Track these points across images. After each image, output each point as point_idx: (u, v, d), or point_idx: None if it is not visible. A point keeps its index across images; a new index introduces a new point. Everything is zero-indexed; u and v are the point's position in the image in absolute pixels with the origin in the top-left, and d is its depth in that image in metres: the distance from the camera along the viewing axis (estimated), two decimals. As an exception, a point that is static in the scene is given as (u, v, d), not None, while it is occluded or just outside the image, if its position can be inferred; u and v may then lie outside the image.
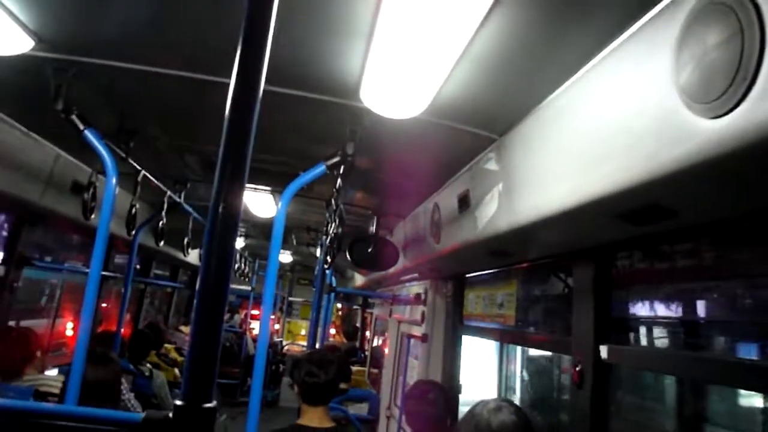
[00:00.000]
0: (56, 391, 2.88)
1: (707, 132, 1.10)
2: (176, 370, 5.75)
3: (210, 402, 0.79)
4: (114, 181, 2.36)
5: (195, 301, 0.82)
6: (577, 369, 2.16)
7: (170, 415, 0.79)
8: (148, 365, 4.77)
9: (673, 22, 1.20)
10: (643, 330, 2.20)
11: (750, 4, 0.98)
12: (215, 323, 0.82)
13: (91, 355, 2.29)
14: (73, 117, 2.26)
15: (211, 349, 0.80)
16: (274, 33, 0.90)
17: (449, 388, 3.83)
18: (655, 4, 1.28)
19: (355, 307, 11.33)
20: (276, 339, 11.96)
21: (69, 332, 5.53)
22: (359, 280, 8.06)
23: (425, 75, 1.76)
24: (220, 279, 0.84)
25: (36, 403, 2.42)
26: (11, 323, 4.13)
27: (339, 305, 12.37)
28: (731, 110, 1.03)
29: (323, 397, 2.59)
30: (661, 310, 2.14)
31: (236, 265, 8.83)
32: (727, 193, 1.30)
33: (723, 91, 1.04)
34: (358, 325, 9.82)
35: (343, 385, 5.36)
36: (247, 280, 10.09)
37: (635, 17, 1.34)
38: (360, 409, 5.54)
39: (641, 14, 1.33)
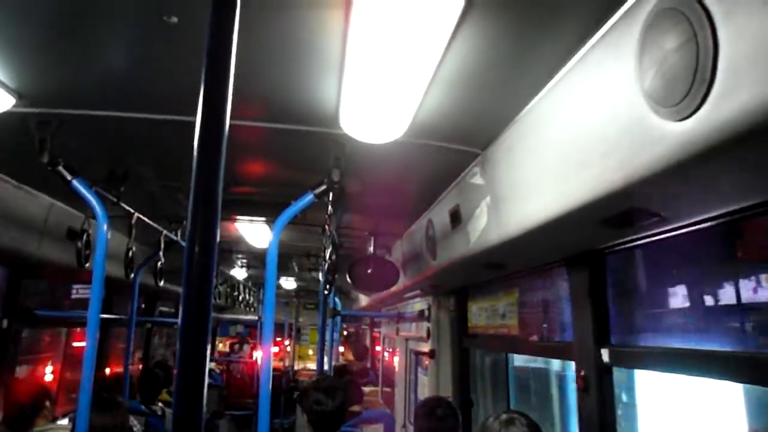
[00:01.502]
0: (64, 439, 2.87)
1: (674, 135, 1.11)
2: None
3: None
4: (105, 227, 2.38)
5: (177, 343, 0.82)
6: (581, 374, 2.15)
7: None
8: (160, 404, 4.75)
9: (631, 28, 1.22)
10: (644, 330, 2.20)
11: (701, 9, 1.00)
12: (199, 361, 0.82)
13: (98, 401, 2.29)
14: (60, 168, 2.28)
15: (196, 394, 0.80)
16: (248, 71, 0.91)
17: (459, 403, 3.81)
18: (615, 12, 1.30)
19: (363, 326, 11.29)
20: (287, 365, 11.91)
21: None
22: (364, 300, 8.05)
23: (400, 98, 1.78)
24: (201, 316, 0.84)
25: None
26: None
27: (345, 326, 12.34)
28: (694, 112, 1.05)
29: (332, 424, 2.58)
30: (660, 308, 2.14)
31: (240, 296, 8.82)
32: (702, 193, 1.31)
33: (684, 94, 1.06)
34: (367, 344, 9.78)
35: (356, 407, 5.33)
36: (252, 309, 10.07)
37: (597, 25, 1.37)
38: (375, 430, 5.50)
39: (603, 22, 1.35)
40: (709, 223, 1.52)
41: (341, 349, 10.10)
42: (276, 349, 12.15)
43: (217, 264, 0.90)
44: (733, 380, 1.64)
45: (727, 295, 1.79)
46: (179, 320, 0.84)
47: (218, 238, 0.90)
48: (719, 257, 1.78)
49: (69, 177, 2.32)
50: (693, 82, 1.04)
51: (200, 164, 0.89)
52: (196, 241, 0.85)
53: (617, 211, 1.53)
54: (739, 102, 0.97)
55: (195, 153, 0.88)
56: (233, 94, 0.93)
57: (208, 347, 0.89)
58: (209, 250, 0.86)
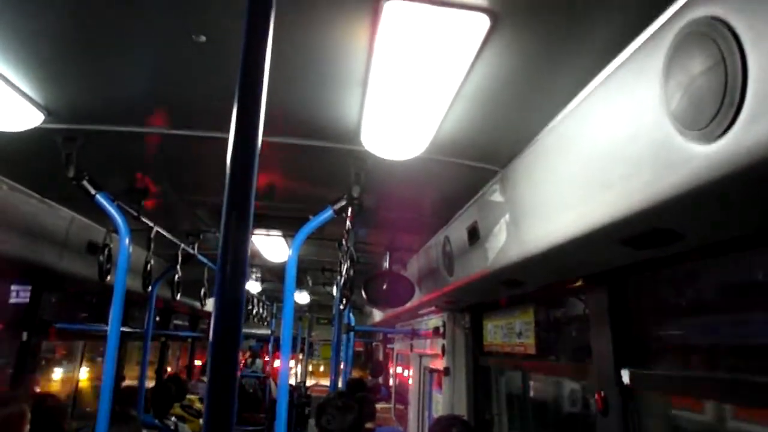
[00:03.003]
0: (83, 454, 2.88)
1: (701, 157, 1.11)
2: (201, 421, 5.70)
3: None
4: (127, 241, 2.41)
5: (209, 352, 0.83)
6: (601, 396, 2.13)
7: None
8: (173, 418, 4.75)
9: (657, 51, 1.23)
10: (667, 354, 2.17)
11: (729, 33, 1.01)
12: (230, 372, 0.83)
13: (111, 415, 2.30)
14: (84, 182, 2.32)
15: (227, 398, 0.81)
16: (273, 87, 0.93)
17: (475, 421, 3.78)
18: (639, 34, 1.31)
19: (376, 343, 11.25)
20: (299, 381, 11.86)
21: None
22: (378, 316, 8.03)
23: (422, 116, 1.80)
24: (233, 327, 0.85)
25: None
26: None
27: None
28: (722, 135, 1.05)
29: None
30: (683, 331, 2.12)
31: (254, 310, 8.83)
32: (727, 215, 1.30)
33: (712, 117, 1.06)
34: (381, 359, 9.73)
35: (369, 424, 5.29)
36: (266, 324, 10.07)
37: (622, 46, 1.37)
38: (388, 448, 5.46)
39: (628, 43, 1.36)
40: (733, 244, 1.51)
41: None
42: (292, 363, 12.14)
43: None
44: (758, 406, 1.62)
45: (747, 320, 1.77)
46: (211, 334, 0.85)
47: (249, 253, 0.91)
48: (743, 279, 1.76)
49: (93, 191, 2.35)
50: (721, 106, 1.04)
51: (233, 180, 0.90)
52: (228, 256, 0.87)
53: (639, 232, 1.52)
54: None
55: (228, 169, 0.90)
56: None
57: (239, 361, 0.89)
58: (241, 265, 0.88)
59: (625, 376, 2.05)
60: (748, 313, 1.79)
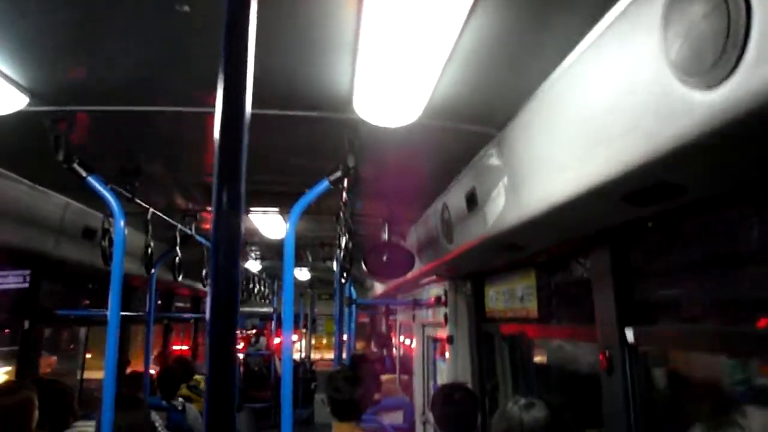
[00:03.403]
0: (93, 438, 2.89)
1: (703, 104, 1.08)
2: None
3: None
4: (122, 223, 2.38)
5: (207, 332, 0.81)
6: (605, 355, 2.13)
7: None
8: (180, 399, 4.78)
9: (655, -2, 1.19)
10: (670, 310, 2.17)
11: (730, -28, 0.97)
12: (228, 351, 0.81)
13: (119, 400, 2.30)
14: (75, 165, 2.28)
15: (228, 380, 0.79)
16: (259, 57, 0.89)
17: (479, 388, 3.81)
18: (636, -18, 1.27)
19: (379, 315, 11.31)
20: (303, 356, 11.96)
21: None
22: (379, 288, 8.05)
23: (415, 80, 1.76)
24: (229, 306, 0.83)
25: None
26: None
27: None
28: (725, 79, 1.02)
29: (352, 413, 2.58)
30: (685, 287, 2.11)
31: (255, 288, 8.85)
32: (731, 164, 1.28)
33: (714, 61, 1.03)
34: (384, 331, 9.79)
35: (375, 396, 5.34)
36: (268, 301, 10.11)
37: (618, -4, 1.33)
38: (395, 418, 5.51)
39: (623, -8, 1.32)
40: (734, 193, 1.49)
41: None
42: (295, 338, 12.23)
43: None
44: (763, 357, 1.62)
45: (753, 269, 1.77)
46: (207, 314, 0.83)
47: (243, 230, 0.88)
48: (747, 229, 1.74)
49: (84, 174, 2.32)
50: (724, 49, 1.00)
51: (222, 155, 0.88)
52: (221, 234, 0.84)
53: (640, 187, 1.50)
54: (773, 67, 0.93)
55: (216, 144, 0.87)
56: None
57: (237, 340, 0.88)
58: (235, 241, 0.85)
59: (629, 334, 2.05)
60: (747, 266, 1.78)
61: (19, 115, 1.98)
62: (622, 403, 2.07)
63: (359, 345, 8.50)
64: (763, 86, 0.96)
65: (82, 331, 5.54)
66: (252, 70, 0.89)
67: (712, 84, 1.05)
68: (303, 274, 9.60)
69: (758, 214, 1.66)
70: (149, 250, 3.60)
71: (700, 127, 1.12)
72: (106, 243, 3.16)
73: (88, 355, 5.54)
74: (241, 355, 10.81)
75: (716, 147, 1.16)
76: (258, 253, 7.04)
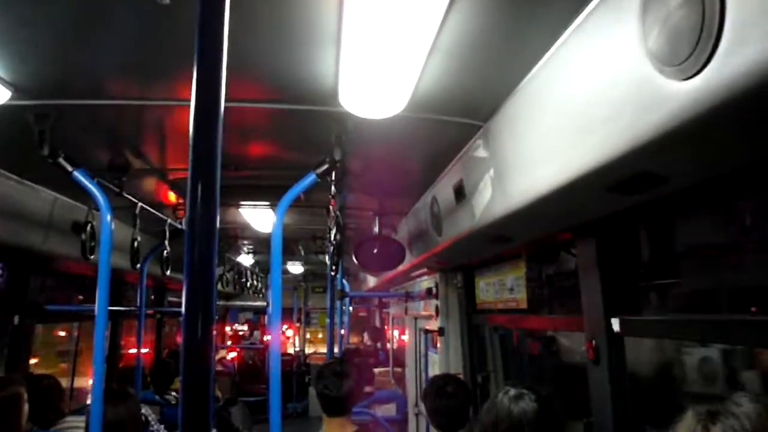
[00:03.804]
0: (83, 432, 2.89)
1: (680, 94, 1.09)
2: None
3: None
4: (108, 217, 2.37)
5: (182, 328, 0.81)
6: (592, 345, 2.15)
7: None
8: (174, 394, 4.79)
9: (634, -13, 1.19)
10: (655, 299, 2.19)
11: (705, -39, 0.97)
12: (205, 349, 0.81)
13: (109, 393, 2.30)
14: (60, 160, 2.27)
15: (203, 380, 0.79)
16: (242, 51, 0.89)
17: (470, 379, 3.83)
18: (616, -28, 1.27)
19: (372, 308, 11.34)
20: (297, 350, 11.98)
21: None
22: (372, 281, 8.07)
23: (399, 72, 1.76)
24: (205, 301, 0.83)
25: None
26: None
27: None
28: (700, 70, 1.02)
29: (341, 408, 2.58)
30: (670, 277, 2.13)
31: (248, 282, 8.85)
32: (708, 153, 1.28)
33: (690, 52, 1.03)
34: (378, 325, 9.82)
35: (367, 388, 5.36)
36: (261, 296, 10.11)
37: (599, -13, 1.34)
38: (388, 410, 5.54)
39: (604, -17, 1.32)
40: (716, 183, 1.50)
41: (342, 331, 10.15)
42: (290, 333, 12.24)
43: (219, 249, 0.89)
44: (745, 345, 1.64)
45: (738, 256, 1.78)
46: (183, 308, 0.83)
47: (218, 223, 0.88)
48: (731, 219, 1.76)
49: (70, 168, 2.31)
50: (699, 39, 1.01)
51: (196, 148, 0.87)
52: (196, 227, 0.84)
53: (623, 177, 1.50)
54: (747, 57, 0.94)
55: (191, 137, 0.87)
56: (228, 75, 0.91)
57: (213, 335, 0.88)
58: (210, 235, 0.85)
59: (615, 324, 2.07)
60: (731, 256, 1.79)
61: (2, 110, 1.97)
62: (609, 392, 2.08)
63: (355, 339, 8.54)
64: (737, 76, 0.96)
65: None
66: (225, 63, 0.89)
67: (687, 74, 1.05)
68: (296, 267, 9.61)
69: (741, 203, 1.68)
70: (136, 244, 3.59)
71: (678, 117, 1.13)
72: (87, 236, 3.14)
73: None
74: (233, 354, 10.81)
75: (694, 136, 1.17)
76: (250, 247, 7.04)
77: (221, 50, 0.87)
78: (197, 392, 0.78)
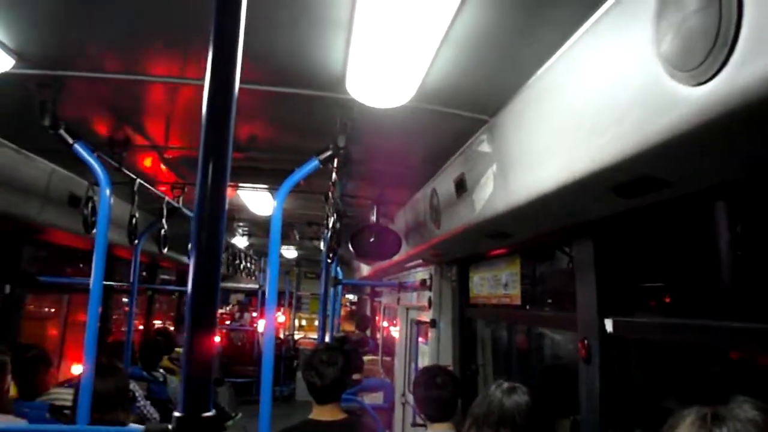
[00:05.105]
0: (69, 403, 2.89)
1: (691, 100, 1.09)
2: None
3: (209, 411, 0.79)
4: (108, 192, 2.36)
5: (188, 305, 0.81)
6: (584, 344, 2.16)
7: (170, 426, 0.79)
8: (161, 371, 4.79)
9: (650, -10, 1.19)
10: (649, 303, 2.20)
11: (725, -32, 0.97)
12: (209, 329, 0.81)
13: (97, 367, 2.30)
14: (62, 131, 2.25)
15: (206, 357, 0.79)
16: (253, 33, 0.88)
17: (460, 372, 3.85)
18: (633, -26, 1.26)
19: (364, 296, 11.36)
20: (287, 334, 12.01)
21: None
22: (365, 270, 8.07)
23: (409, 61, 1.75)
24: (210, 283, 0.83)
25: (43, 426, 2.63)
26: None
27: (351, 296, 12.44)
28: (713, 77, 1.02)
29: (329, 395, 2.58)
30: (665, 281, 2.13)
31: (242, 264, 8.85)
32: (716, 160, 1.28)
33: (704, 58, 1.03)
34: (368, 313, 9.84)
35: (356, 376, 5.38)
36: (254, 278, 10.12)
37: (614, -12, 1.33)
38: (375, 399, 5.56)
39: (620, -16, 1.31)
40: (718, 189, 1.51)
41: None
42: (283, 318, 12.26)
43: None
44: (738, 350, 1.64)
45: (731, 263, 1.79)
46: (189, 287, 0.83)
47: (227, 204, 0.88)
48: (729, 224, 1.76)
49: (71, 141, 2.29)
50: (714, 46, 1.00)
51: (209, 129, 0.87)
52: (205, 207, 0.84)
53: (627, 179, 1.51)
54: (762, 65, 0.94)
55: (204, 117, 0.86)
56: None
57: (217, 314, 0.88)
58: (218, 216, 0.85)
59: (609, 324, 2.07)
60: (724, 261, 1.80)
61: (4, 77, 1.95)
62: (599, 392, 2.10)
63: (348, 327, 8.55)
64: (751, 84, 0.96)
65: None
66: (242, 45, 0.88)
67: (699, 80, 1.05)
68: (290, 252, 9.61)
69: (738, 210, 1.68)
70: (134, 221, 3.58)
71: (688, 122, 1.12)
72: (89, 211, 3.13)
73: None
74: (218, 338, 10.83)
75: (700, 143, 1.17)
76: (246, 229, 7.03)
77: (237, 32, 0.86)
78: (200, 370, 0.79)
